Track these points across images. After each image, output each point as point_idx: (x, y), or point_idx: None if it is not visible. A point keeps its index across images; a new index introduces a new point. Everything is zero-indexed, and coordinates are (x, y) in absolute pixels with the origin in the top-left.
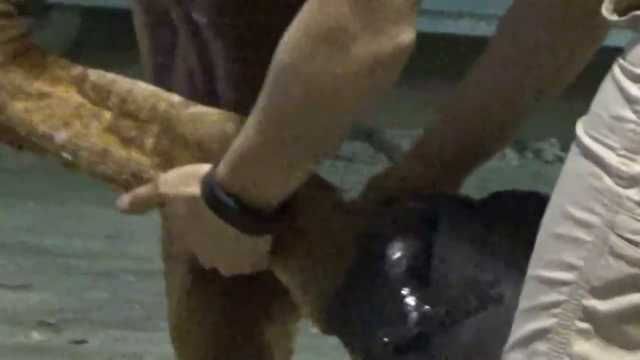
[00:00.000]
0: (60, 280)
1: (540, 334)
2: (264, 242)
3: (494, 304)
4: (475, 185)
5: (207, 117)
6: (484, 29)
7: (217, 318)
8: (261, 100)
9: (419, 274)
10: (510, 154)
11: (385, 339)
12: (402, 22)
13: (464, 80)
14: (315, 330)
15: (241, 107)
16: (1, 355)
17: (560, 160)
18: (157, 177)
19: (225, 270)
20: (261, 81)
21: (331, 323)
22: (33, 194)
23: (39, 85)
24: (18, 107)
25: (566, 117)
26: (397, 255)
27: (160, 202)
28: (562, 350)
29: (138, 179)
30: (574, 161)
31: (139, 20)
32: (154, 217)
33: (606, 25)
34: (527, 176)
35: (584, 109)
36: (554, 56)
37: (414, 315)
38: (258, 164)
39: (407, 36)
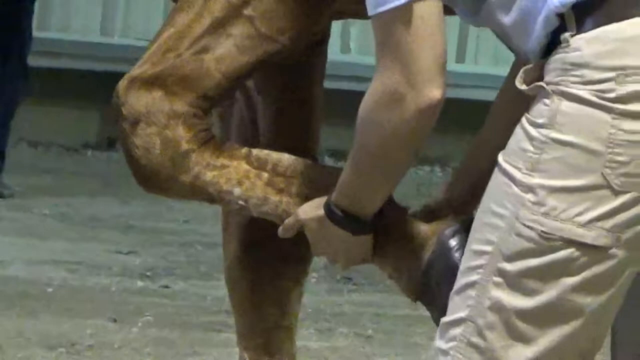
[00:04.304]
0: (155, 249)
1: (471, 285)
2: (367, 242)
3: None
4: None
5: (311, 170)
6: None
7: (254, 275)
8: (353, 146)
9: None
10: None
11: None
12: (433, 81)
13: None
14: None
15: (273, 141)
16: (116, 296)
17: None
18: (297, 210)
19: (343, 264)
20: (287, 124)
21: (419, 293)
22: (139, 193)
23: (221, 160)
24: (209, 174)
25: None
26: (460, 245)
27: (300, 225)
28: (483, 295)
29: (287, 213)
30: (496, 176)
31: None
32: (215, 208)
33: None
34: None
35: None
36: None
37: None
38: (355, 189)
39: (437, 92)
